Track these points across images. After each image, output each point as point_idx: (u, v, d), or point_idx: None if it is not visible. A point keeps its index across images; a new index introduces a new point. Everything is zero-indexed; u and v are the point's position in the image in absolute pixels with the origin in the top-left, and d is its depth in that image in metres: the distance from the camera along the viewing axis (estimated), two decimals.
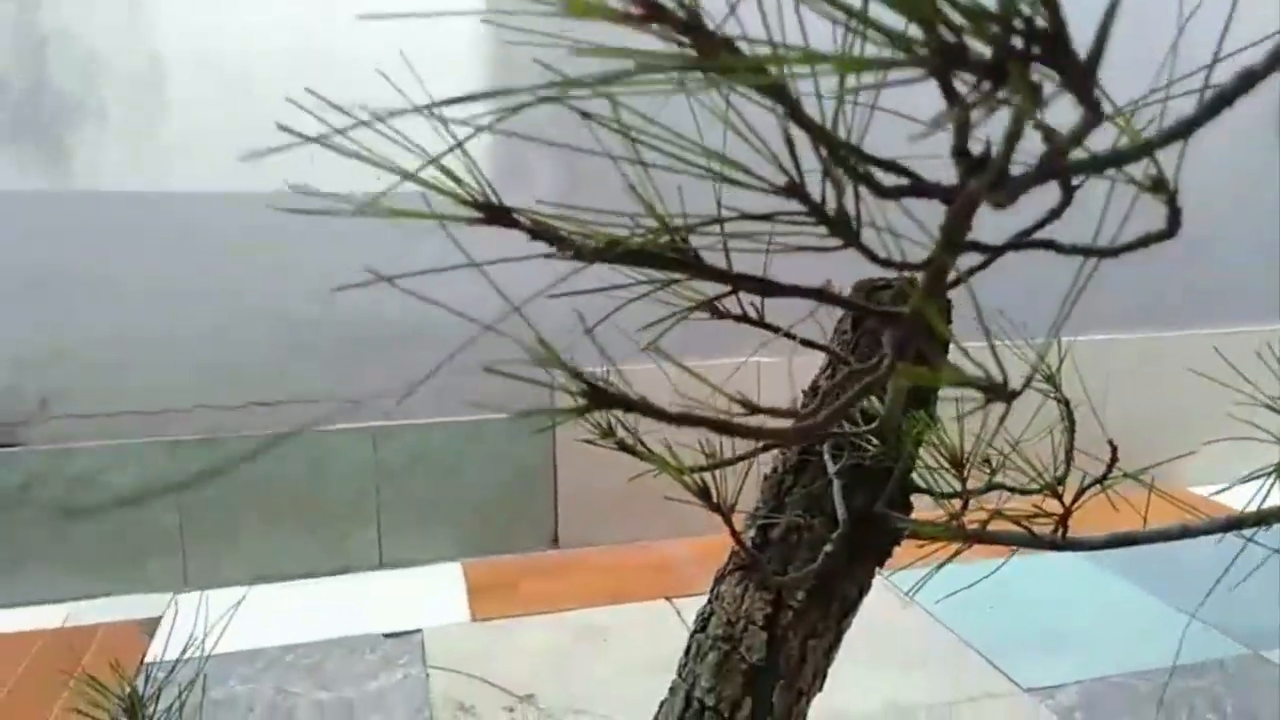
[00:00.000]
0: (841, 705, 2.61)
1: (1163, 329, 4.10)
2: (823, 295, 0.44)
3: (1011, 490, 0.67)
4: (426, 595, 3.26)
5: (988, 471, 0.67)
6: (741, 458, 0.65)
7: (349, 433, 3.29)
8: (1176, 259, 4.01)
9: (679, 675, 0.82)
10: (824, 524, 0.75)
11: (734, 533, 0.60)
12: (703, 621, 0.81)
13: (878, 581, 3.24)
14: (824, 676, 0.79)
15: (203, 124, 3.06)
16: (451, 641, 2.97)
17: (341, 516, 3.34)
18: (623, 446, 0.64)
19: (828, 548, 0.69)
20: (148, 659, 2.84)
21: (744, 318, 0.62)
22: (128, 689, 1.09)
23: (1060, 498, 0.65)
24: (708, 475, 0.61)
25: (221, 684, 2.73)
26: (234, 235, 3.12)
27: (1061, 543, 0.65)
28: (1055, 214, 0.50)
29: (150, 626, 3.04)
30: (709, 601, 0.80)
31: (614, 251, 0.45)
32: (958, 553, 0.68)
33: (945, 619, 3.07)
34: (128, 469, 3.14)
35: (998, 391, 0.34)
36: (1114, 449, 0.68)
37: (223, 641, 2.92)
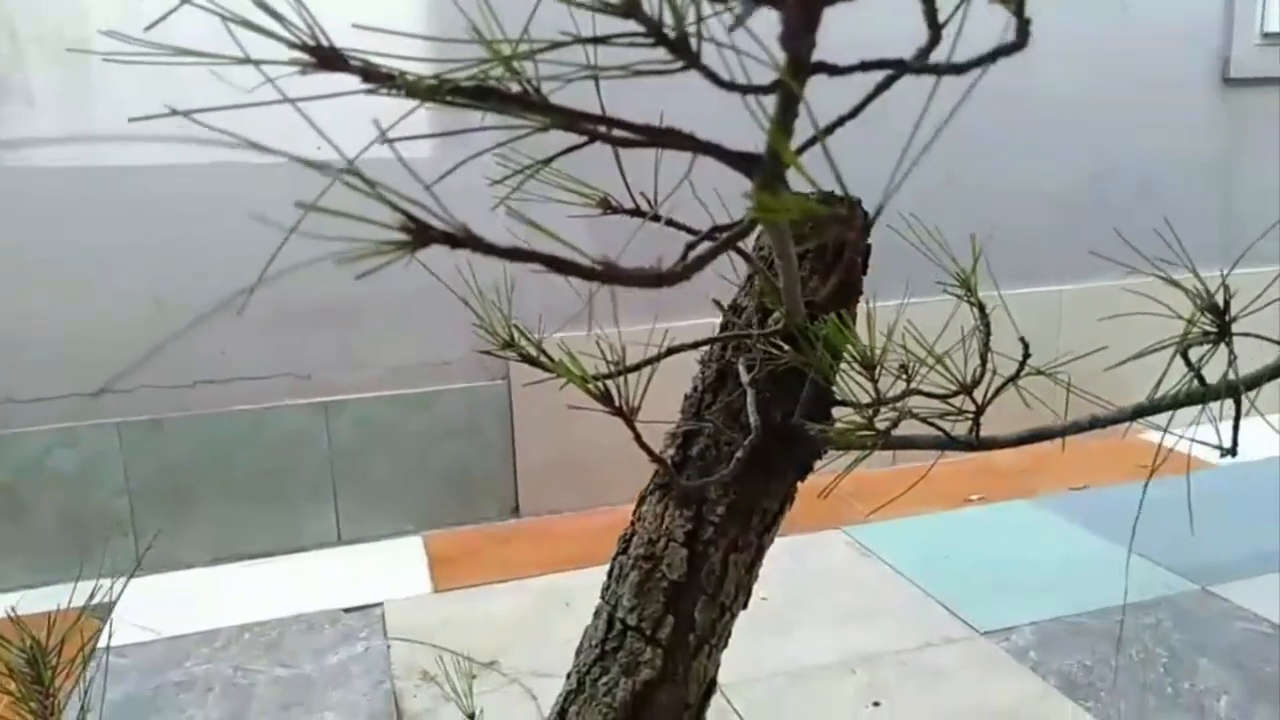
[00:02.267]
0: (802, 657, 2.64)
1: (1113, 278, 4.15)
2: (672, 134, 0.42)
3: (927, 395, 0.66)
4: (387, 569, 3.23)
5: (904, 378, 0.66)
6: (646, 362, 0.63)
7: (299, 408, 3.24)
8: (1124, 209, 4.06)
9: (602, 598, 0.81)
10: (743, 438, 0.74)
11: (639, 438, 0.59)
12: (624, 543, 0.79)
13: (836, 537, 3.27)
14: (748, 593, 0.79)
15: (134, 95, 2.96)
16: (413, 613, 2.95)
17: (296, 494, 3.29)
18: (525, 357, 0.62)
19: (739, 454, 0.68)
20: (100, 644, 2.79)
21: (636, 211, 0.60)
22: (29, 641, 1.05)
23: (975, 399, 0.64)
24: (611, 382, 0.60)
25: (179, 666, 2.69)
26: (169, 209, 3.04)
27: (976, 442, 0.65)
28: (925, 52, 0.49)
29: (104, 612, 2.98)
30: (631, 523, 0.79)
31: (446, 89, 0.43)
32: (868, 453, 0.67)
33: (904, 570, 3.11)
34: (72, 453, 3.07)
35: (849, 222, 0.33)
36: (1025, 346, 0.67)
37: (178, 623, 2.88)
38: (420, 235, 0.40)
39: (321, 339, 3.22)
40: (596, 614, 0.80)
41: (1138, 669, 2.54)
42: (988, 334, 0.68)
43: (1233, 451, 0.60)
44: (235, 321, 3.14)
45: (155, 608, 3.00)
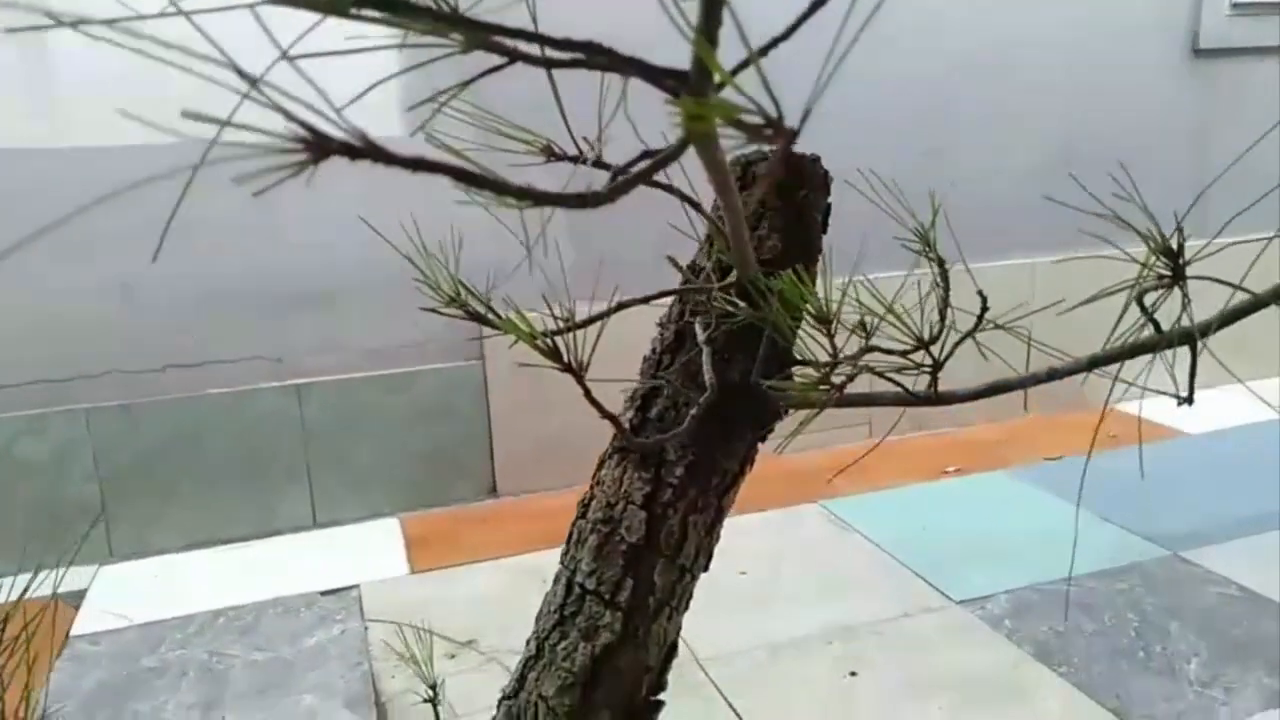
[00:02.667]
0: (779, 630, 2.65)
1: (1085, 250, 4.18)
2: (594, 49, 0.40)
3: (885, 352, 0.65)
4: (363, 551, 3.21)
5: (862, 335, 0.65)
6: (595, 318, 0.62)
7: (272, 391, 3.20)
8: (1097, 181, 4.08)
9: (561, 563, 0.80)
10: (701, 397, 0.73)
11: (588, 394, 0.57)
12: (583, 508, 0.78)
13: (813, 510, 3.27)
14: (708, 555, 0.78)
15: (94, 75, 2.90)
16: (390, 594, 2.93)
17: (271, 477, 3.26)
18: (471, 314, 0.61)
19: (694, 411, 0.67)
20: (74, 632, 2.76)
21: (579, 158, 0.59)
22: None
23: (933, 354, 0.64)
24: (561, 340, 0.58)
25: (153, 651, 2.66)
26: (134, 190, 2.98)
27: (935, 397, 0.64)
28: None
29: (76, 600, 2.94)
30: (590, 488, 0.78)
31: (350, 1, 0.41)
32: (824, 407, 0.66)
33: (881, 542, 3.12)
34: (41, 441, 3.02)
35: (775, 126, 0.31)
36: (984, 299, 0.66)
37: (152, 609, 2.85)
38: (318, 147, 0.38)
39: (294, 321, 3.18)
40: (555, 579, 0.79)
41: (1110, 634, 2.56)
42: (947, 290, 0.67)
43: (1189, 400, 0.60)
44: (206, 305, 3.09)
45: (128, 594, 2.97)
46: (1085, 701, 2.28)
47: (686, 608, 0.80)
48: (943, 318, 0.65)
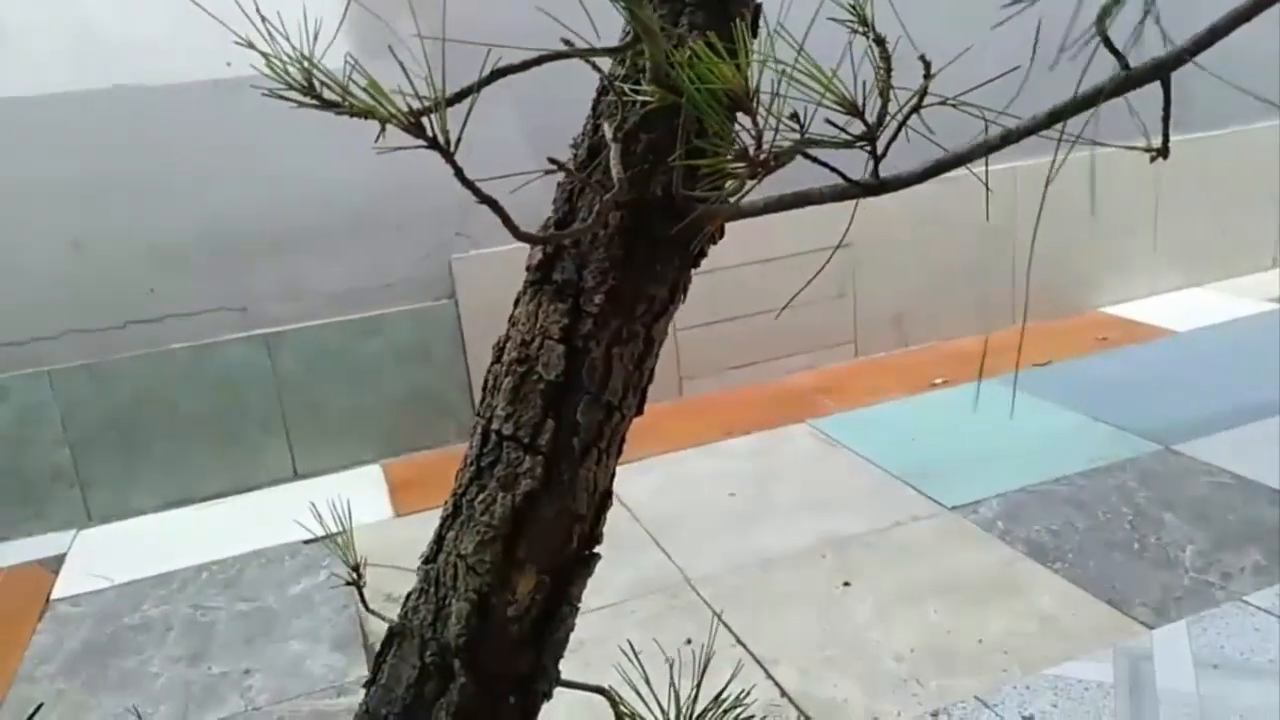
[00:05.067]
0: (771, 547, 2.61)
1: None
2: None
3: (821, 144, 0.58)
4: (347, 499, 3.16)
5: (795, 125, 0.57)
6: (465, 92, 0.54)
7: (239, 342, 3.12)
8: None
9: (477, 413, 0.73)
10: (617, 219, 0.65)
11: (459, 173, 0.50)
12: (498, 351, 0.71)
13: (802, 430, 3.20)
14: (641, 394, 0.71)
15: (28, 22, 2.76)
16: (376, 538, 2.84)
17: (246, 431, 3.20)
18: (325, 102, 0.53)
19: (598, 207, 0.59)
20: (54, 596, 2.71)
21: None
22: None
23: (866, 121, 0.56)
24: (427, 119, 0.51)
25: (136, 610, 2.61)
26: (77, 139, 2.86)
27: (876, 183, 0.56)
28: None
29: (55, 564, 2.89)
30: (506, 331, 0.71)
31: None
32: (751, 186, 0.58)
33: (870, 456, 3.08)
34: (4, 406, 2.94)
35: None
36: (927, 65, 0.58)
37: (133, 569, 2.80)
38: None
39: (254, 270, 3.09)
40: (471, 431, 0.72)
41: (1104, 529, 2.53)
42: (888, 71, 0.59)
43: (1163, 152, 0.52)
44: (162, 257, 3.00)
45: (107, 556, 2.91)
46: (1081, 594, 2.25)
47: (619, 452, 0.73)
48: (884, 99, 0.57)
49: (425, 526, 0.85)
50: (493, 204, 0.53)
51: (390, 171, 3.11)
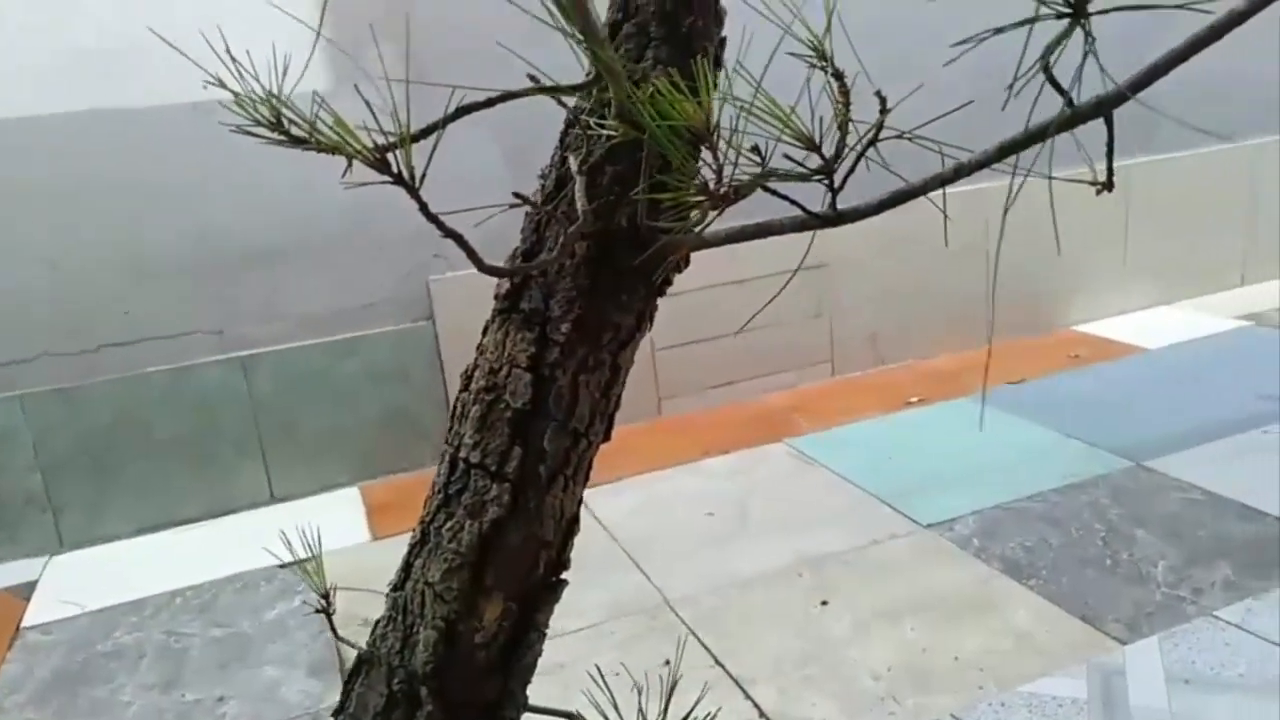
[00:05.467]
0: (748, 567, 2.61)
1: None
2: None
3: (780, 178, 0.59)
4: (323, 522, 3.13)
5: (756, 158, 0.59)
6: (429, 129, 0.55)
7: (215, 365, 3.10)
8: None
9: (445, 442, 0.73)
10: (584, 249, 0.66)
11: (424, 208, 0.51)
12: (466, 379, 0.72)
13: (779, 449, 3.21)
14: (608, 420, 0.72)
15: (2, 43, 2.76)
16: (352, 562, 2.84)
17: (222, 454, 3.17)
18: (293, 139, 0.54)
19: (563, 239, 0.60)
20: (24, 624, 2.67)
21: None
22: None
23: (825, 157, 0.57)
24: (393, 155, 0.52)
25: (108, 637, 2.58)
26: (54, 162, 2.85)
27: (834, 215, 0.58)
28: None
29: (26, 591, 2.85)
30: (474, 360, 0.72)
31: None
32: (714, 217, 0.59)
33: (847, 475, 3.10)
34: None
35: None
36: (882, 101, 0.60)
37: (106, 595, 2.76)
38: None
39: (231, 291, 3.08)
40: (440, 459, 0.72)
41: (1078, 545, 2.56)
42: (847, 105, 0.61)
43: (1108, 185, 0.54)
44: (136, 279, 2.98)
45: (80, 582, 2.87)
46: (1055, 611, 2.27)
47: (586, 479, 0.74)
48: (843, 132, 0.59)
49: (402, 550, 0.86)
50: (457, 238, 0.54)
51: (366, 193, 3.10)
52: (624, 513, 2.98)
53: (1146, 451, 3.02)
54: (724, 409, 3.73)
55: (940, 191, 0.66)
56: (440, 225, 0.53)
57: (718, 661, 2.21)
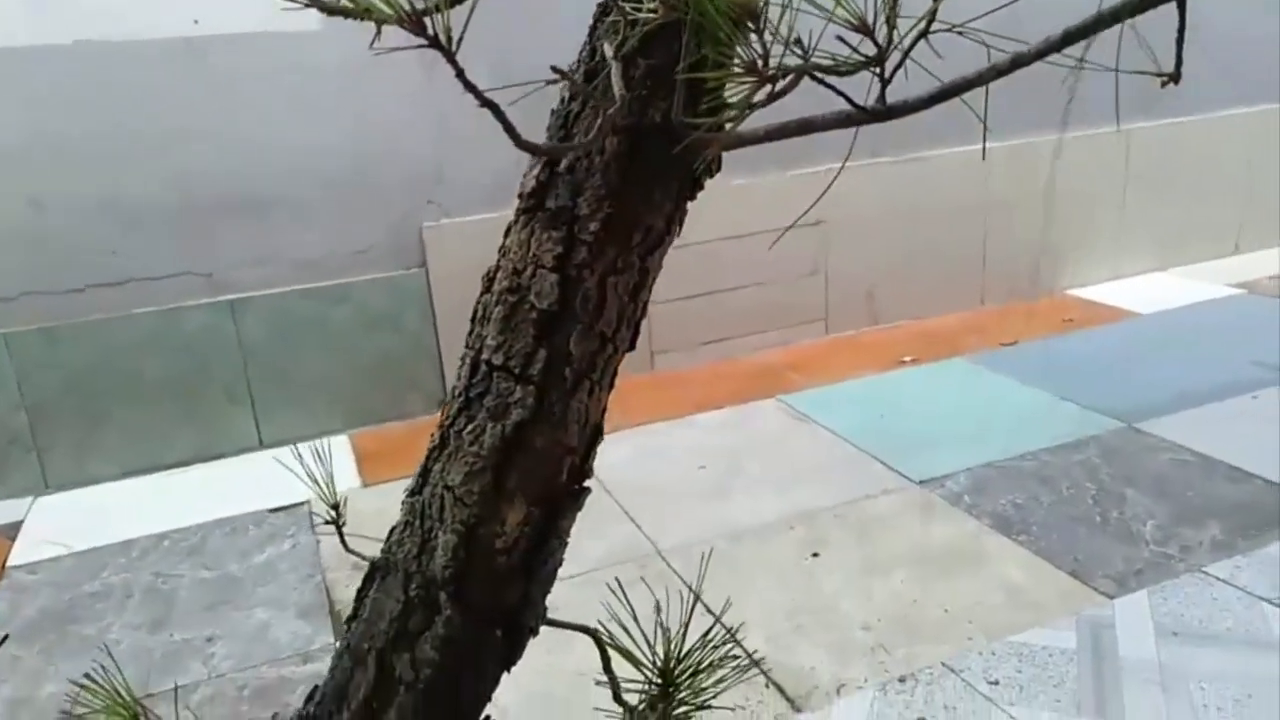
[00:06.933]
0: (740, 519, 2.61)
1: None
2: None
3: (828, 69, 0.57)
4: (312, 468, 3.11)
5: (801, 50, 0.56)
6: None
7: (204, 308, 3.05)
8: None
9: (466, 345, 0.71)
10: (614, 145, 0.64)
11: (461, 74, 0.48)
12: (488, 281, 0.69)
13: (771, 405, 3.20)
14: (634, 327, 0.70)
15: None
16: (342, 507, 2.85)
17: (210, 399, 3.13)
18: (325, 8, 0.51)
19: (599, 121, 0.58)
20: (10, 563, 2.65)
21: None
22: None
23: (883, 62, 0.55)
24: (430, 19, 0.49)
25: (95, 577, 2.56)
26: (37, 96, 2.77)
27: (884, 109, 0.55)
28: None
29: (10, 531, 2.82)
30: (496, 261, 0.69)
31: None
32: (755, 108, 0.57)
33: (840, 431, 3.10)
34: None
35: None
36: None
37: (92, 536, 2.74)
38: None
39: (220, 234, 3.02)
40: (460, 362, 0.70)
41: (1068, 503, 2.57)
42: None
43: (1175, 78, 0.52)
44: (125, 219, 2.92)
45: (66, 524, 2.85)
46: (1044, 565, 2.29)
47: (611, 385, 0.72)
48: (891, 25, 0.57)
49: (392, 497, 0.84)
50: (494, 107, 0.51)
51: (361, 137, 3.06)
52: (617, 464, 2.97)
53: (1138, 414, 3.03)
54: (717, 365, 3.72)
55: (982, 93, 0.63)
56: (478, 94, 0.50)
57: (708, 610, 2.21)
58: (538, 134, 0.67)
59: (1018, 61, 0.55)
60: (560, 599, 0.85)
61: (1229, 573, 2.17)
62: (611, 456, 3.22)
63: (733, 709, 1.79)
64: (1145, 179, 4.33)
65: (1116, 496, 2.59)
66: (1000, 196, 4.04)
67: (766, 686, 1.94)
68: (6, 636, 2.11)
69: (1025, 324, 3.91)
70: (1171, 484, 2.63)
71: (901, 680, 1.91)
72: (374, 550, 0.88)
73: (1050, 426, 3.02)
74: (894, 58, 0.60)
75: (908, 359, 3.64)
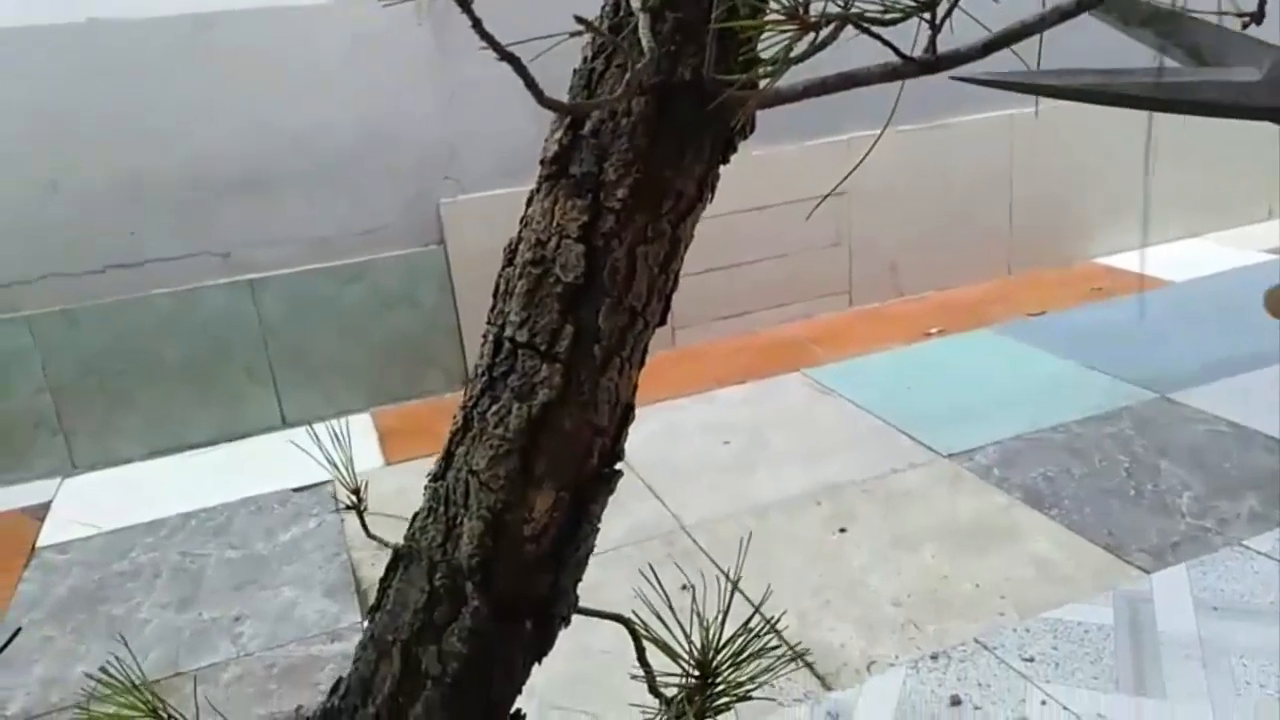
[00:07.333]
0: (766, 494, 2.58)
1: None
2: None
3: (874, 21, 0.53)
4: (335, 447, 3.11)
5: (840, 3, 0.52)
6: None
7: (222, 289, 3.04)
8: None
9: (488, 321, 0.68)
10: (642, 105, 0.60)
11: (476, 24, 0.45)
12: (509, 254, 0.66)
13: (796, 379, 3.16)
14: (665, 300, 0.66)
15: None
16: (363, 490, 2.85)
17: (232, 379, 3.13)
18: None
19: (627, 77, 0.54)
20: (40, 543, 2.67)
21: None
22: None
23: (934, 7, 0.51)
24: None
25: (123, 557, 2.58)
26: (51, 75, 2.75)
27: (934, 60, 0.51)
28: None
29: (39, 512, 2.85)
30: (518, 231, 0.66)
31: None
32: (797, 60, 0.53)
33: (865, 405, 3.05)
34: None
35: None
36: None
37: (120, 516, 2.76)
38: None
39: (237, 214, 3.00)
40: (483, 339, 0.67)
41: (1101, 476, 2.52)
42: None
43: (1258, 17, 0.47)
44: (142, 199, 2.91)
45: (94, 504, 2.86)
46: (1077, 540, 2.24)
47: (642, 362, 0.69)
48: None
49: (414, 475, 0.81)
50: (514, 60, 0.48)
51: (377, 113, 3.02)
52: (640, 440, 2.91)
53: (1171, 384, 2.96)
54: (739, 339, 3.67)
55: (1039, 39, 0.59)
56: (496, 46, 0.47)
57: (746, 599, 2.19)
58: (559, 99, 0.64)
59: (1084, 3, 0.50)
60: (586, 577, 0.83)
61: (1270, 546, 2.12)
62: (635, 432, 3.18)
63: (771, 700, 1.77)
64: (1176, 145, 4.21)
65: (1150, 468, 2.53)
66: (1026, 162, 3.95)
67: (796, 665, 1.92)
68: (19, 630, 2.13)
69: (1053, 293, 3.83)
70: (1207, 455, 2.57)
71: (934, 657, 1.88)
72: (398, 531, 0.85)
73: (1081, 398, 2.96)
74: (944, 4, 0.55)
75: (934, 330, 3.58)
